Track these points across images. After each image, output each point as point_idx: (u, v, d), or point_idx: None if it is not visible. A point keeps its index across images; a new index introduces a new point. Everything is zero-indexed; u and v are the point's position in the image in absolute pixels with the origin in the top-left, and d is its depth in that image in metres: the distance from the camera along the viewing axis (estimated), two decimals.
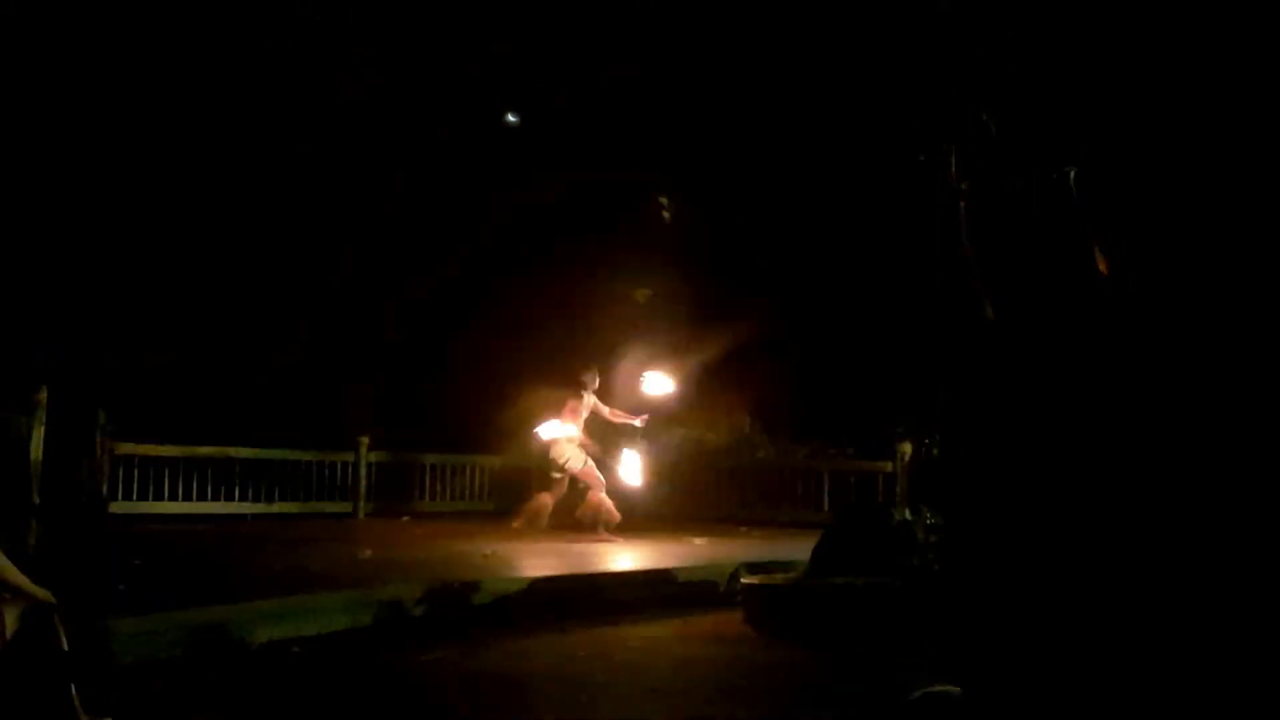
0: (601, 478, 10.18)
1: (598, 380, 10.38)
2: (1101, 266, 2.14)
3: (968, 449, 2.25)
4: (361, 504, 12.43)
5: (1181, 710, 1.97)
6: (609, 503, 10.14)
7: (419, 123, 13.54)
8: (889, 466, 11.42)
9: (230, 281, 13.57)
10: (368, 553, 8.29)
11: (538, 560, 8.22)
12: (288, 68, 12.59)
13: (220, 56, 12.19)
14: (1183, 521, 1.99)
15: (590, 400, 10.27)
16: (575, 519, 10.24)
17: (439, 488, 13.24)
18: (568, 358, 10.91)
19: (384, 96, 13.21)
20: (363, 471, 12.48)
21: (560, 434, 10.09)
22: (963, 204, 2.49)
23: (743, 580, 6.86)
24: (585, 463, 10.14)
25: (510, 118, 14.89)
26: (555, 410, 10.18)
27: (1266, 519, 1.97)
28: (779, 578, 6.94)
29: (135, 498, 10.97)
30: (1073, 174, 2.18)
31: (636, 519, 11.82)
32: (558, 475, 10.20)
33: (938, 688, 2.61)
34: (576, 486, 10.28)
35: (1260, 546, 1.98)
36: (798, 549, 7.39)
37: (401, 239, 14.34)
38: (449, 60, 13.29)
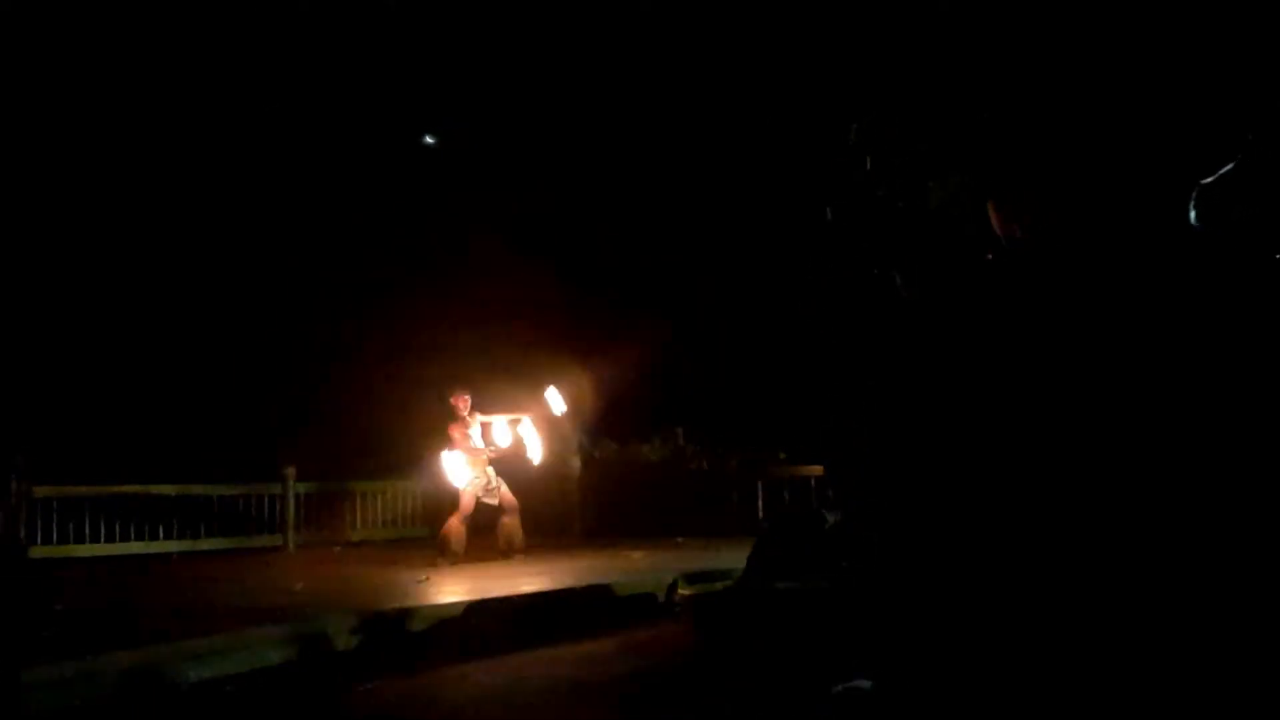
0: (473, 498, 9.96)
1: (468, 402, 10.07)
2: (995, 226, 2.19)
3: (876, 442, 2.30)
4: (291, 536, 12.18)
5: (1070, 703, 2.02)
6: (516, 523, 10.03)
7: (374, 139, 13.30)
8: (821, 471, 11.53)
9: (142, 315, 13.26)
10: (299, 585, 8.15)
11: (473, 584, 8.15)
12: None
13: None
14: (1085, 507, 2.03)
15: (475, 422, 10.07)
16: (498, 542, 10.00)
17: (370, 515, 13.03)
18: (471, 377, 10.55)
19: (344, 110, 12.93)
20: (290, 503, 12.23)
21: (455, 463, 9.86)
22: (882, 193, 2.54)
23: (681, 591, 6.89)
24: (487, 485, 9.98)
25: (428, 139, 14.80)
26: (445, 438, 9.98)
27: (1153, 498, 2.01)
28: (716, 586, 6.97)
29: (55, 541, 10.66)
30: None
31: (573, 536, 11.78)
32: (482, 497, 9.99)
33: (854, 682, 2.67)
34: (497, 507, 10.06)
35: (1147, 535, 2.02)
36: (735, 558, 7.41)
37: (322, 262, 14.14)
38: (442, 70, 13.08)
